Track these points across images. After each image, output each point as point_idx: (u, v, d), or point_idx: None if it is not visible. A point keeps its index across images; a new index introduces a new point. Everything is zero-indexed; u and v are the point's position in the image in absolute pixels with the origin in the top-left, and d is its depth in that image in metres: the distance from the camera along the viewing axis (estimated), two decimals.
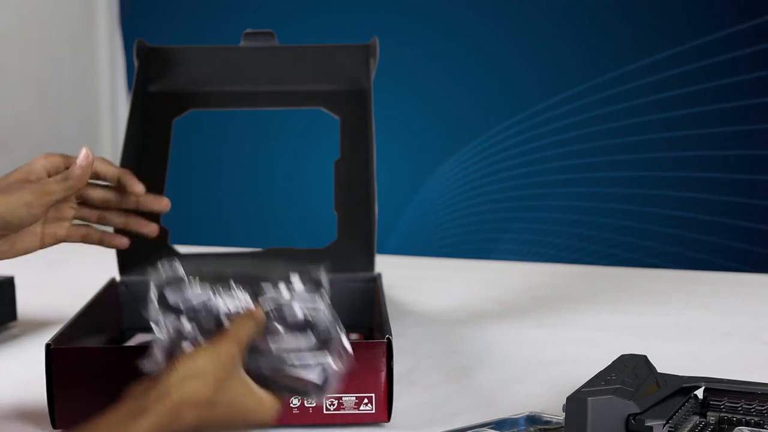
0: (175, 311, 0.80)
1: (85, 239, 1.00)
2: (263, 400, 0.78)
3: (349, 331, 1.16)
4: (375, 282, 1.19)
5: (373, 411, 0.92)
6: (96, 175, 0.98)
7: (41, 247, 0.96)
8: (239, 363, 0.78)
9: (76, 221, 1.00)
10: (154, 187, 1.27)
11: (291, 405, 0.92)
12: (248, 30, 1.33)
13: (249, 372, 0.78)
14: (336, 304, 1.21)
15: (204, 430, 0.76)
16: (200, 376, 0.75)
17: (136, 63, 1.31)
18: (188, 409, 0.74)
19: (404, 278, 1.55)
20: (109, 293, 1.19)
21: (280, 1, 2.90)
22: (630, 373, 0.84)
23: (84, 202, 1.00)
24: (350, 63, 1.31)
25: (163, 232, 1.25)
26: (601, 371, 0.85)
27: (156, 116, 1.30)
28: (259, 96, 1.34)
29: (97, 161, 0.97)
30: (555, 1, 2.70)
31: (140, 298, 1.21)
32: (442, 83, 2.80)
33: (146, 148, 1.29)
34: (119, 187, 1.00)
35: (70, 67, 3.01)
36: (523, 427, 0.91)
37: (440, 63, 2.79)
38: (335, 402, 0.92)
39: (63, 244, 1.00)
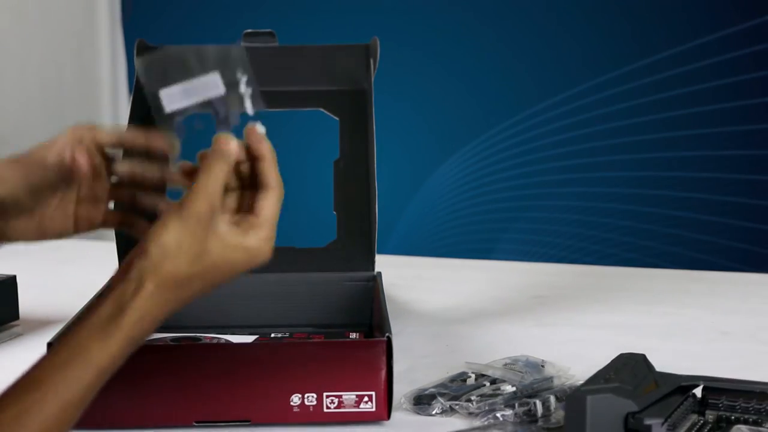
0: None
1: (123, 226, 0.90)
2: (251, 247, 0.75)
3: (348, 330, 1.16)
4: (375, 281, 1.19)
5: (374, 409, 0.92)
6: (124, 145, 0.88)
7: (76, 232, 0.88)
8: (214, 221, 0.74)
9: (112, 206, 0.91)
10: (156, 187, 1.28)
11: (291, 404, 0.93)
12: (248, 30, 1.33)
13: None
14: (336, 303, 1.22)
15: (199, 297, 0.74)
16: (172, 254, 0.72)
17: (136, 63, 1.31)
18: (170, 291, 0.72)
19: (404, 278, 1.56)
20: None
21: (280, 1, 2.90)
22: (629, 371, 0.85)
23: (118, 183, 0.89)
24: (350, 63, 1.31)
25: None
26: (600, 370, 0.86)
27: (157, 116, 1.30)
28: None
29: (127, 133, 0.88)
30: (555, 1, 2.70)
31: None
32: (442, 83, 2.80)
33: None
34: (148, 156, 0.88)
35: (72, 65, 3.02)
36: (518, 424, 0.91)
37: (440, 63, 2.79)
38: (335, 400, 0.92)
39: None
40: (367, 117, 1.25)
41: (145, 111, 1.28)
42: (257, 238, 0.76)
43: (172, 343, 1.08)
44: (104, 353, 0.70)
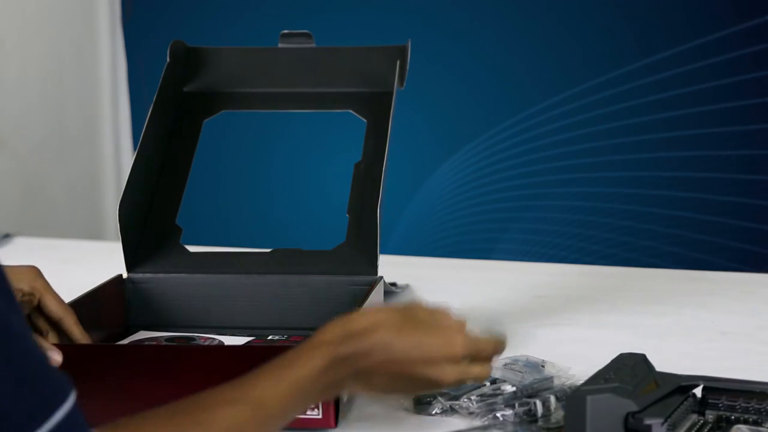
0: None
1: None
2: (448, 327, 0.78)
3: None
4: (373, 285, 1.18)
5: (320, 416, 0.92)
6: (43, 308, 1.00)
7: None
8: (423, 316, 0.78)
9: None
10: (176, 186, 1.28)
11: None
12: (285, 31, 1.33)
13: None
14: (337, 307, 1.22)
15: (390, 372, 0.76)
16: (376, 311, 0.77)
17: (168, 61, 1.31)
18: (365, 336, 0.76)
19: (404, 278, 1.56)
20: (115, 289, 1.19)
21: (281, 1, 2.90)
22: (629, 371, 0.85)
23: None
24: (383, 65, 1.31)
25: (176, 231, 1.25)
26: (600, 370, 0.86)
27: (186, 116, 1.30)
28: (291, 98, 1.34)
29: (48, 298, 1.00)
30: (555, 1, 2.70)
31: (147, 295, 1.22)
32: (442, 83, 2.80)
33: (172, 146, 1.29)
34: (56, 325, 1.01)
35: (72, 65, 3.02)
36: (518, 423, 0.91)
37: (440, 63, 2.79)
38: None
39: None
40: (388, 120, 1.25)
41: (171, 109, 1.28)
42: (456, 323, 0.79)
43: (165, 342, 1.08)
44: (269, 392, 0.74)
